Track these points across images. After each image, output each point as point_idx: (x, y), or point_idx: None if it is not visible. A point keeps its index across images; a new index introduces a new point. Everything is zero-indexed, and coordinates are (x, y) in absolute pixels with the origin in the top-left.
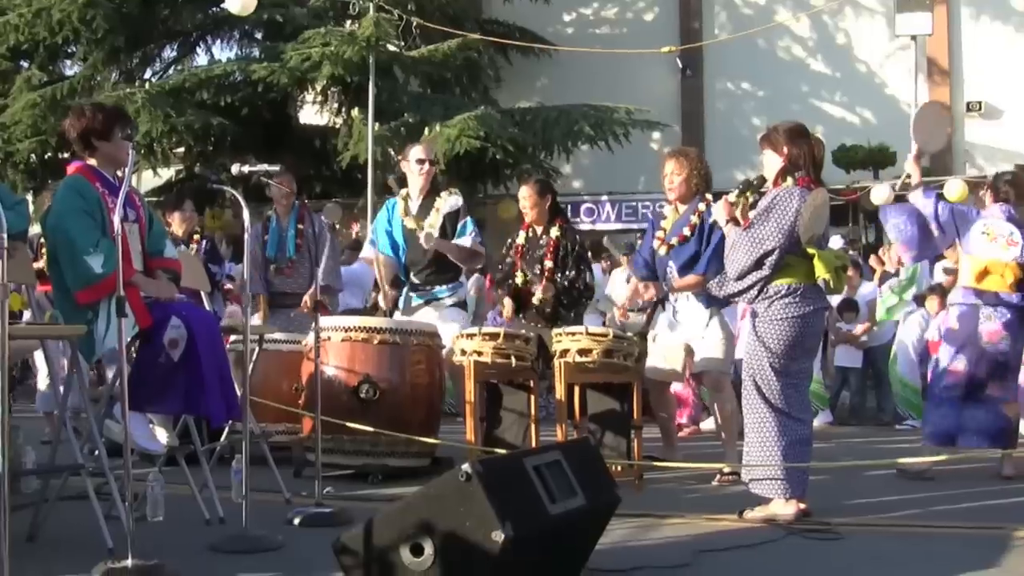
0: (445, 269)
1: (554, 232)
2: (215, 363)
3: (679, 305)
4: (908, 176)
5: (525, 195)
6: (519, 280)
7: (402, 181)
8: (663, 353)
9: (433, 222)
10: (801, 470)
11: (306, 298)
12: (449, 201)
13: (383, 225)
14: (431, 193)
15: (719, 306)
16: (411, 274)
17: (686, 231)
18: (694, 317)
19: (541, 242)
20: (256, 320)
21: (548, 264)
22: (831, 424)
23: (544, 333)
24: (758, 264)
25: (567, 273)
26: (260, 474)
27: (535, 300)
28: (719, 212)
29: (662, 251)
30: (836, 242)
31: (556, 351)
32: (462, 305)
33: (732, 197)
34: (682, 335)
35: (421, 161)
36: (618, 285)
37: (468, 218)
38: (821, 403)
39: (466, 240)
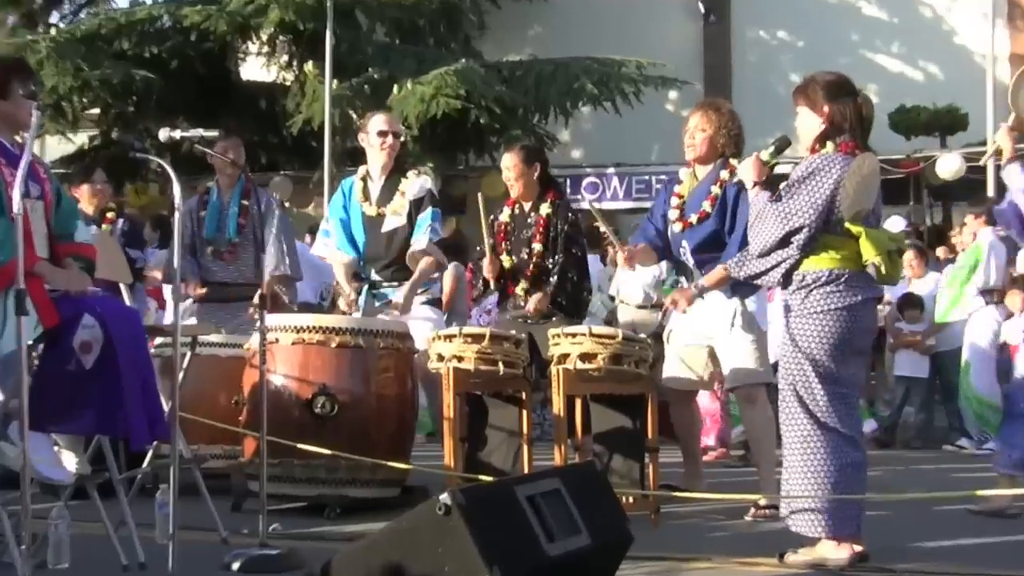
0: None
1: (544, 209)
2: (137, 371)
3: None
4: (997, 151)
5: (509, 164)
6: (505, 262)
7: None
8: (682, 356)
9: (398, 208)
10: (855, 503)
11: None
12: (416, 183)
13: (337, 212)
14: (395, 172)
15: (744, 293)
16: (372, 271)
17: (706, 205)
18: (715, 311)
19: (529, 220)
20: (190, 320)
21: (537, 247)
22: (874, 433)
23: (537, 332)
24: (784, 242)
25: (556, 259)
26: (191, 508)
27: (529, 308)
28: (746, 171)
29: (677, 227)
30: (896, 224)
31: (553, 356)
32: (435, 303)
33: (766, 155)
34: (702, 330)
35: (383, 134)
36: (627, 280)
37: (431, 208)
38: (863, 414)
39: (420, 242)
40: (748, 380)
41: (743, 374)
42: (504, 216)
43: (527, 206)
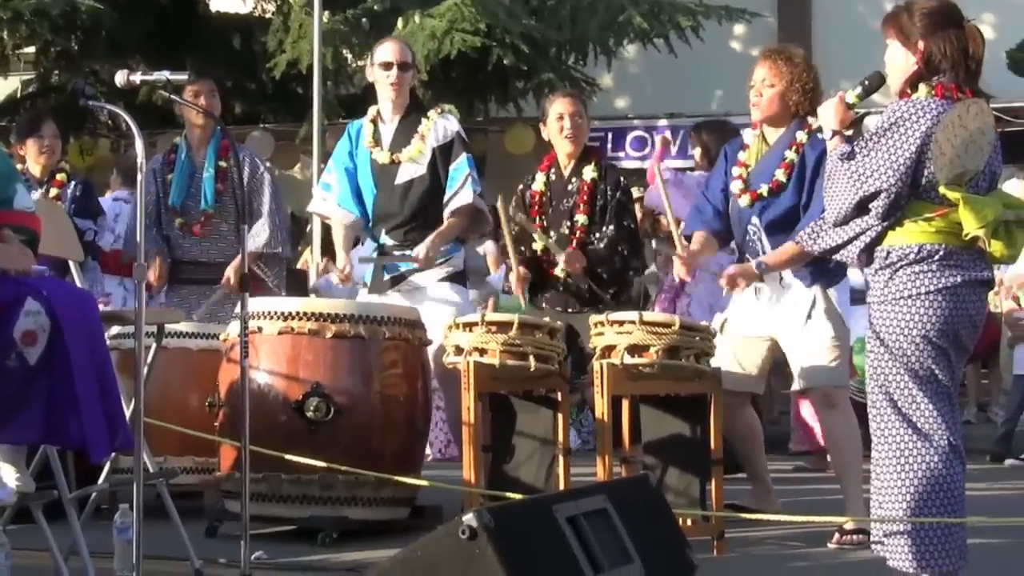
0: (434, 223)
1: (588, 172)
2: (92, 367)
3: (768, 277)
4: None
5: (567, 110)
6: (537, 244)
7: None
8: (735, 350)
9: (415, 154)
10: (958, 527)
11: (229, 271)
12: (439, 125)
13: (342, 161)
14: (412, 112)
15: (827, 282)
16: (383, 232)
17: (780, 174)
18: (789, 300)
19: (570, 187)
20: (159, 301)
21: (581, 220)
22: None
23: (577, 322)
24: (860, 208)
25: (605, 230)
26: (157, 532)
27: (558, 272)
28: (827, 115)
29: (744, 201)
30: (1016, 187)
31: (595, 348)
32: (459, 278)
33: (852, 96)
34: (768, 322)
35: (388, 65)
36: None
37: (465, 155)
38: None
39: (465, 196)
40: (828, 380)
41: (822, 373)
42: (538, 183)
43: (566, 170)
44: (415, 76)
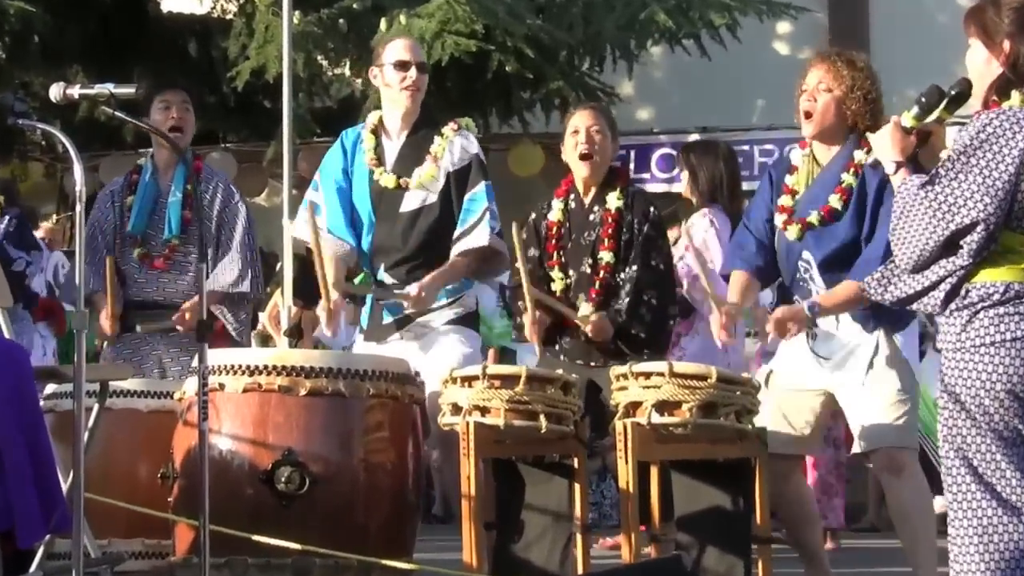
0: (443, 261)
1: (613, 200)
2: (23, 434)
3: (820, 321)
4: None
5: (586, 124)
6: (556, 284)
7: None
8: (782, 405)
9: (426, 179)
10: None
11: (185, 308)
12: (456, 145)
13: (334, 177)
14: (422, 126)
15: (892, 326)
16: (381, 268)
17: (834, 200)
18: (847, 347)
19: (592, 217)
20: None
21: (606, 258)
22: None
23: (600, 376)
24: (948, 246)
25: (628, 272)
26: None
27: (579, 320)
28: (883, 145)
29: (792, 233)
30: None
31: (618, 405)
32: (470, 321)
33: (908, 118)
34: (823, 373)
35: (404, 65)
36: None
37: (484, 183)
38: None
39: (480, 236)
40: (893, 440)
41: (885, 432)
42: (555, 213)
43: (587, 197)
44: (425, 78)
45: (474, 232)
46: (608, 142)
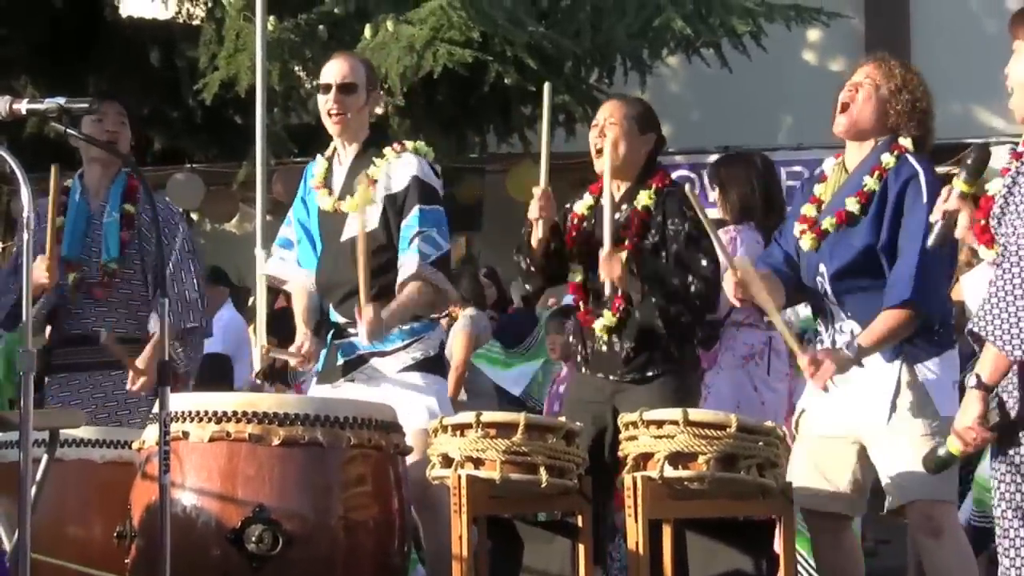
0: (389, 293)
1: (643, 199)
2: None
3: (837, 347)
4: None
5: (600, 116)
6: (574, 275)
7: None
8: (815, 456)
9: (359, 203)
10: None
11: (139, 362)
12: (395, 167)
13: (297, 210)
14: (368, 149)
15: (915, 355)
16: (331, 306)
17: (852, 204)
18: (867, 380)
19: (618, 216)
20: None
21: (625, 259)
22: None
23: (625, 402)
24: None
25: (668, 280)
26: None
27: (599, 325)
28: (961, 226)
29: (806, 242)
30: None
31: (627, 456)
32: (433, 366)
33: (961, 184)
34: (847, 414)
35: (325, 88)
36: None
37: (418, 207)
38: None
39: (408, 265)
40: (926, 493)
41: (917, 483)
42: (581, 205)
43: (618, 193)
44: (374, 102)
45: (405, 264)
46: (629, 135)
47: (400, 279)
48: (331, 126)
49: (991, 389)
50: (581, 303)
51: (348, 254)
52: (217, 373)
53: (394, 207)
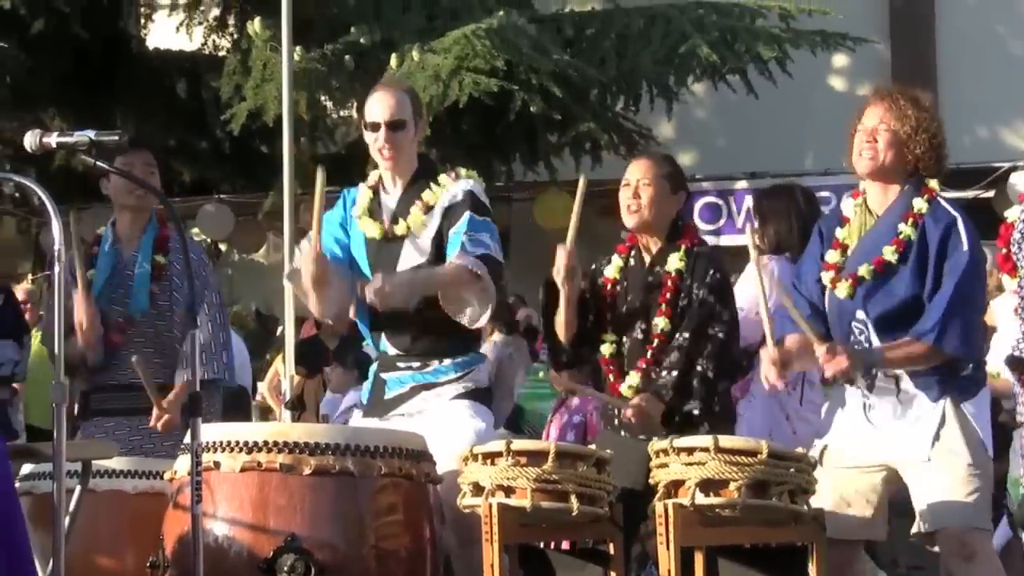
0: (451, 327)
1: (674, 263)
2: None
3: (878, 389)
4: None
5: (630, 176)
6: (606, 348)
7: None
8: (839, 484)
9: (415, 226)
10: None
11: (165, 402)
12: (450, 191)
13: (331, 232)
14: (420, 178)
15: (960, 394)
16: (383, 335)
17: (888, 252)
18: (912, 415)
19: (650, 279)
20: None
21: (661, 324)
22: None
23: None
24: None
25: (680, 339)
26: None
27: (628, 412)
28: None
29: (842, 290)
30: None
31: (658, 484)
32: (481, 397)
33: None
34: (884, 446)
35: (374, 127)
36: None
37: (468, 214)
38: None
39: (457, 258)
40: (961, 521)
41: (954, 511)
42: (611, 270)
43: (648, 255)
44: (422, 130)
45: (453, 253)
46: (663, 194)
47: (449, 263)
48: (382, 163)
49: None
50: (612, 376)
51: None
52: (234, 405)
53: (447, 219)
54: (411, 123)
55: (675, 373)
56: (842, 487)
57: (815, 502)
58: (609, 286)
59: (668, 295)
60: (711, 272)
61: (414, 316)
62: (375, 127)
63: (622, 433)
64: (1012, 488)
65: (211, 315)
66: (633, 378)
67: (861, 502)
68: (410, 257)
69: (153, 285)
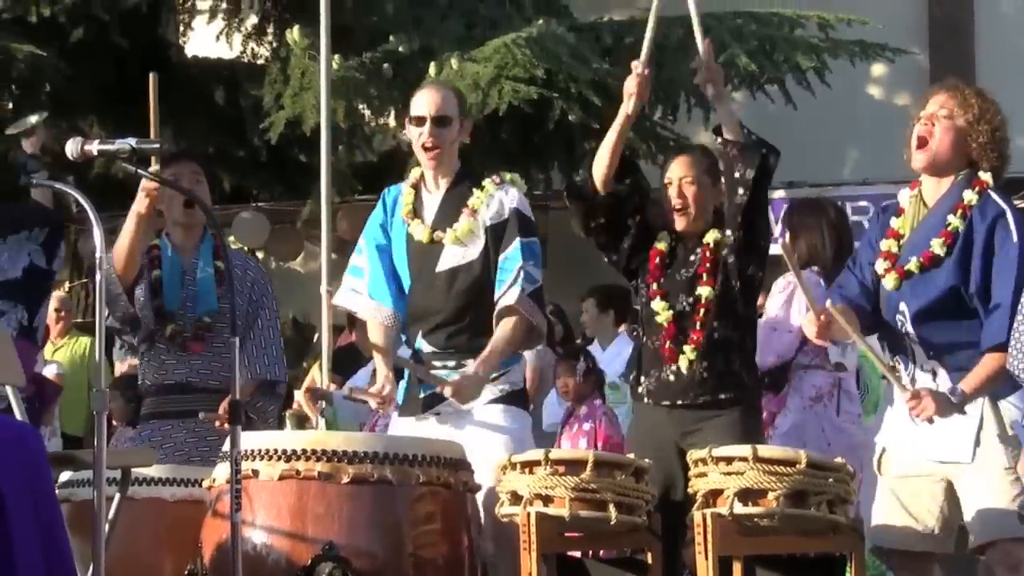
0: (485, 327)
1: (711, 235)
2: (36, 525)
3: (918, 384)
4: None
5: (674, 175)
6: (660, 315)
7: None
8: (899, 493)
9: (463, 234)
10: None
11: (225, 405)
12: (496, 199)
13: (374, 236)
14: (463, 179)
15: (1001, 395)
16: (419, 335)
17: (936, 245)
18: (957, 418)
19: (692, 257)
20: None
21: (706, 293)
22: None
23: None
24: None
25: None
26: None
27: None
28: None
29: (889, 282)
30: None
31: (696, 493)
32: (517, 400)
33: None
34: (932, 451)
35: (419, 120)
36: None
37: (519, 240)
38: None
39: (509, 296)
40: (1010, 532)
41: (1000, 522)
42: (661, 241)
43: (689, 237)
44: (465, 131)
45: (508, 293)
46: (706, 190)
47: (499, 307)
48: (424, 160)
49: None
50: (669, 341)
51: (444, 284)
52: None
53: (495, 238)
54: (456, 121)
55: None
56: (901, 495)
57: (875, 511)
58: (658, 259)
59: (708, 265)
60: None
61: (453, 316)
62: (420, 121)
63: (646, 400)
64: None
65: (271, 320)
66: (689, 351)
67: (924, 513)
68: (449, 260)
69: (218, 289)
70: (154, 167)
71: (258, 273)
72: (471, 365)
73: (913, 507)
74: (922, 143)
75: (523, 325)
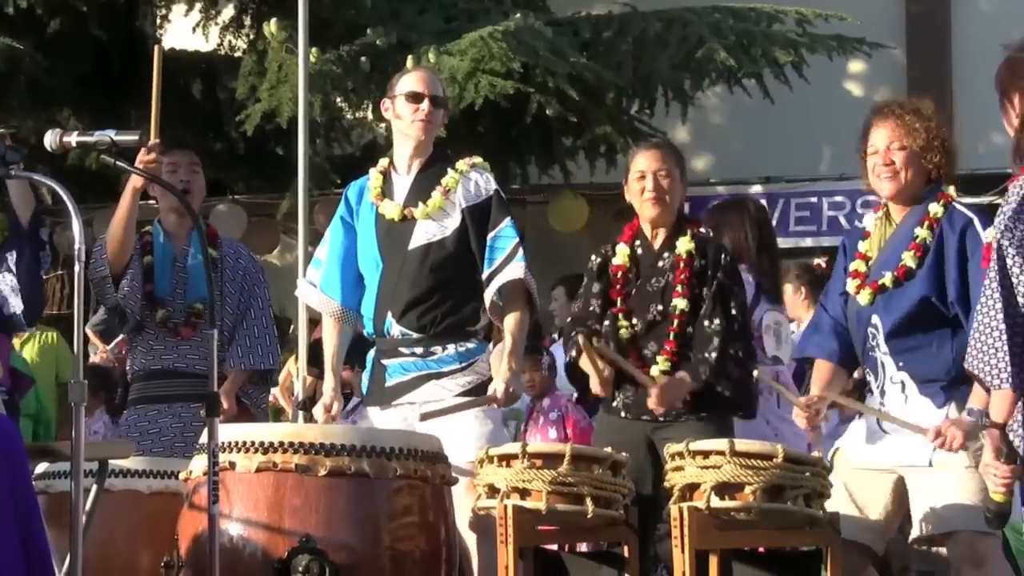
0: (459, 306)
1: (684, 245)
2: (13, 517)
3: (887, 397)
4: None
5: (647, 167)
6: (622, 331)
7: None
8: (850, 486)
9: (433, 210)
10: None
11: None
12: (472, 180)
13: (336, 229)
14: (436, 162)
15: (964, 398)
16: (389, 317)
17: (908, 257)
18: (920, 420)
19: (662, 263)
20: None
21: (680, 305)
22: None
23: (659, 435)
24: None
25: (710, 325)
26: None
27: (651, 403)
28: None
29: (863, 297)
30: None
31: (673, 487)
32: (484, 389)
33: None
34: (891, 449)
35: (417, 97)
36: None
37: (509, 219)
38: None
39: (514, 269)
40: (972, 524)
41: (962, 514)
42: (619, 257)
43: (656, 241)
44: (445, 118)
45: (507, 268)
46: (677, 184)
47: (509, 278)
48: (415, 133)
49: (1003, 427)
50: (631, 359)
51: (417, 260)
52: None
53: (477, 219)
54: (444, 107)
55: (715, 355)
56: (852, 489)
57: (829, 504)
58: (619, 273)
59: (683, 276)
60: (723, 256)
61: (425, 294)
62: (418, 97)
63: (623, 415)
64: (1011, 535)
65: (263, 309)
66: (661, 362)
67: (872, 506)
68: (421, 237)
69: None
70: (154, 140)
71: (249, 262)
72: (500, 364)
73: (862, 499)
74: (888, 174)
75: (528, 305)
